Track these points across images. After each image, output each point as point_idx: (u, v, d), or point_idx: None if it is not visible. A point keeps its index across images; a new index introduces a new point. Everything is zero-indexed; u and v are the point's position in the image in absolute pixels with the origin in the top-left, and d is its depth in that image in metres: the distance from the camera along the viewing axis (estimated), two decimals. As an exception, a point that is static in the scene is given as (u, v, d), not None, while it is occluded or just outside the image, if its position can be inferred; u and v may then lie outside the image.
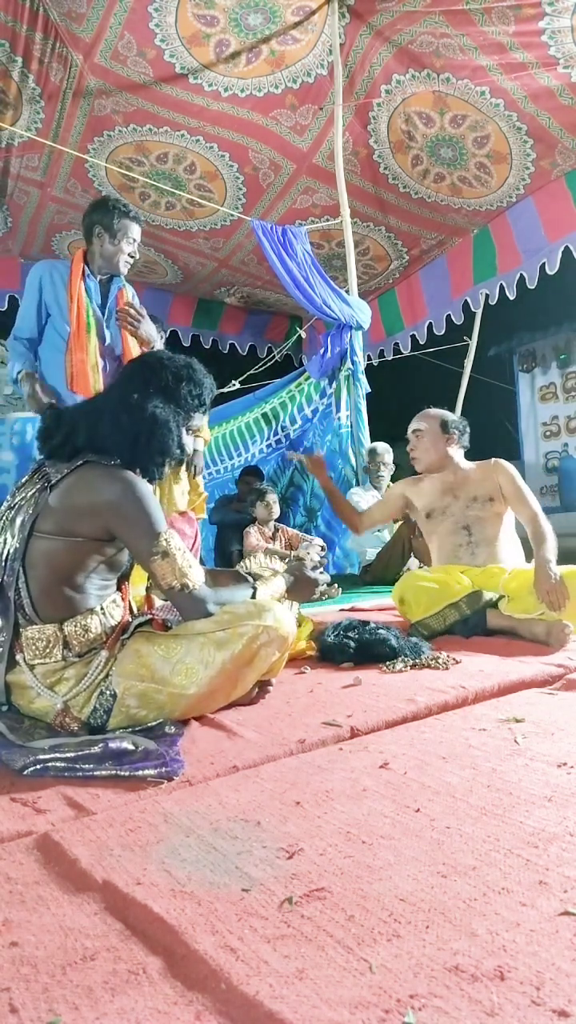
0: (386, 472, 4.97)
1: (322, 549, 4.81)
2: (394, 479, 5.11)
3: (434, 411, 2.90)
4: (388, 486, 5.00)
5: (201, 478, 3.38)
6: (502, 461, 2.81)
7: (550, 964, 0.70)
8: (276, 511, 4.82)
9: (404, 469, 5.53)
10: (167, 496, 3.08)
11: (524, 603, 2.42)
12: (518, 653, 2.15)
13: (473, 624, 2.43)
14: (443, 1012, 0.63)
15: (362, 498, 4.76)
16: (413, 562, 4.38)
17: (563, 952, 0.72)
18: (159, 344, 3.00)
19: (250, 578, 1.82)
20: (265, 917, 0.80)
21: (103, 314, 2.90)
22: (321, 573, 1.93)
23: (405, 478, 3.00)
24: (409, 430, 2.89)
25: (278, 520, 4.94)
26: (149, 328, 2.93)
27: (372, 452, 4.95)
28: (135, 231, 2.87)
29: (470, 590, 2.47)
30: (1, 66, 4.42)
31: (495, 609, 2.47)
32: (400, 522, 4.46)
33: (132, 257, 2.89)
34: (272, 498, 4.80)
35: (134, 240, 2.87)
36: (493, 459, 2.83)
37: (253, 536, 4.72)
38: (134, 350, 2.88)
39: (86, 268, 2.87)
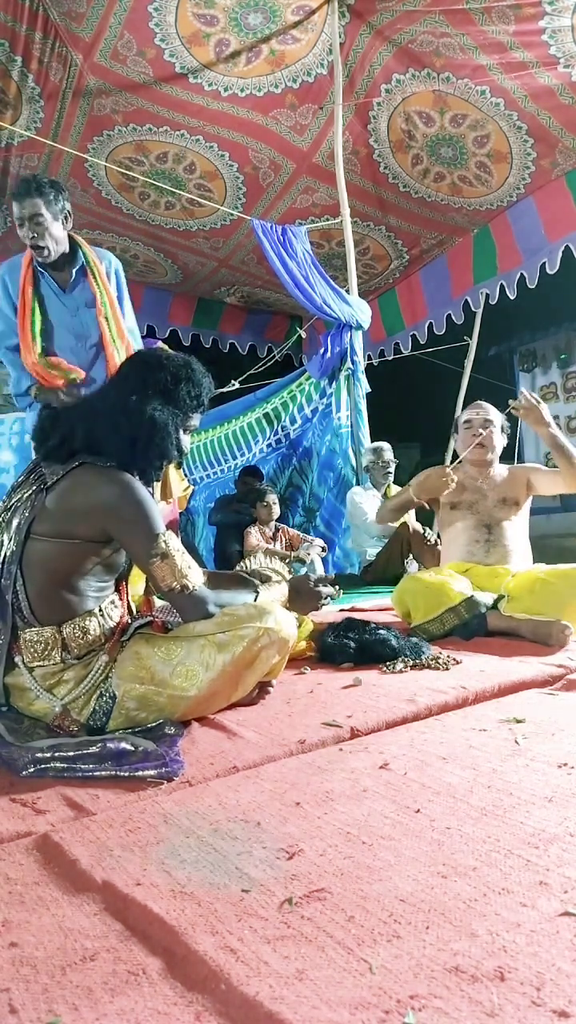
0: (392, 469, 4.96)
1: (322, 550, 4.81)
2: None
3: (492, 408, 2.89)
4: (390, 484, 4.99)
5: (183, 471, 3.36)
6: (519, 465, 2.96)
7: (550, 965, 0.70)
8: (276, 511, 4.82)
9: (404, 468, 5.52)
10: (167, 486, 3.03)
11: (523, 603, 2.42)
12: (518, 653, 2.15)
13: (473, 628, 2.43)
14: (443, 1013, 0.63)
15: (363, 498, 4.75)
16: (413, 565, 4.38)
17: (563, 953, 0.72)
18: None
19: (252, 578, 1.81)
20: (265, 918, 0.80)
21: (63, 303, 2.70)
22: (326, 586, 1.91)
23: (432, 468, 2.94)
24: (476, 415, 2.82)
25: (278, 520, 4.94)
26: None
27: (378, 451, 4.93)
28: (17, 209, 2.56)
29: (468, 595, 2.47)
30: (1, 66, 4.42)
31: (495, 610, 2.47)
32: (400, 522, 4.46)
33: (30, 234, 2.56)
34: (272, 498, 4.79)
35: (22, 218, 2.56)
36: (515, 464, 2.95)
37: (253, 536, 4.72)
38: (110, 336, 2.73)
39: (35, 262, 2.68)
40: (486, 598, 2.49)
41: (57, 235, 2.62)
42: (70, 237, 2.73)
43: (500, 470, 2.86)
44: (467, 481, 2.82)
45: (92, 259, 2.74)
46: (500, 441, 2.83)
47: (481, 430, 2.77)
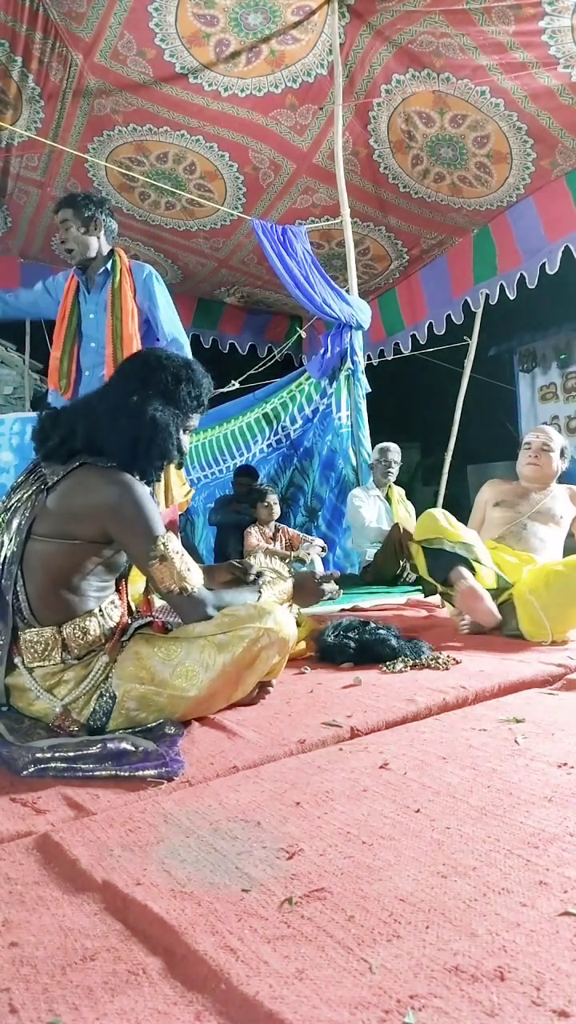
0: (395, 470, 4.97)
1: (323, 549, 4.81)
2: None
3: (556, 433, 2.98)
4: (391, 486, 5.00)
5: (184, 471, 3.42)
6: None
7: (550, 964, 0.70)
8: (277, 511, 4.82)
9: (404, 469, 5.53)
10: (168, 490, 3.04)
11: (539, 597, 2.41)
12: (518, 653, 2.16)
13: (442, 561, 2.50)
14: (443, 1012, 0.63)
15: (363, 502, 4.75)
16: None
17: (563, 952, 0.72)
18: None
19: (248, 568, 1.84)
20: (265, 917, 0.80)
21: (88, 306, 2.92)
22: (328, 584, 1.94)
23: (491, 481, 3.09)
24: (535, 437, 2.94)
25: (279, 520, 4.93)
26: None
27: (383, 451, 4.93)
28: (57, 217, 2.89)
29: (467, 541, 2.56)
30: (1, 66, 4.42)
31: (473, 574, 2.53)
32: (393, 524, 4.49)
33: (62, 242, 2.89)
34: (273, 499, 4.79)
35: (57, 225, 2.89)
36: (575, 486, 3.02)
37: (254, 536, 4.72)
38: (110, 338, 2.88)
39: (75, 269, 2.96)
40: (488, 575, 2.51)
41: (84, 240, 2.83)
42: (112, 250, 2.94)
43: (557, 488, 2.95)
44: (518, 487, 2.95)
45: (120, 269, 2.91)
46: (559, 465, 2.91)
47: (538, 453, 2.89)
